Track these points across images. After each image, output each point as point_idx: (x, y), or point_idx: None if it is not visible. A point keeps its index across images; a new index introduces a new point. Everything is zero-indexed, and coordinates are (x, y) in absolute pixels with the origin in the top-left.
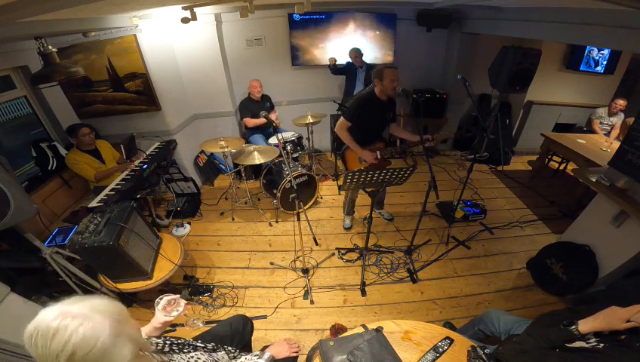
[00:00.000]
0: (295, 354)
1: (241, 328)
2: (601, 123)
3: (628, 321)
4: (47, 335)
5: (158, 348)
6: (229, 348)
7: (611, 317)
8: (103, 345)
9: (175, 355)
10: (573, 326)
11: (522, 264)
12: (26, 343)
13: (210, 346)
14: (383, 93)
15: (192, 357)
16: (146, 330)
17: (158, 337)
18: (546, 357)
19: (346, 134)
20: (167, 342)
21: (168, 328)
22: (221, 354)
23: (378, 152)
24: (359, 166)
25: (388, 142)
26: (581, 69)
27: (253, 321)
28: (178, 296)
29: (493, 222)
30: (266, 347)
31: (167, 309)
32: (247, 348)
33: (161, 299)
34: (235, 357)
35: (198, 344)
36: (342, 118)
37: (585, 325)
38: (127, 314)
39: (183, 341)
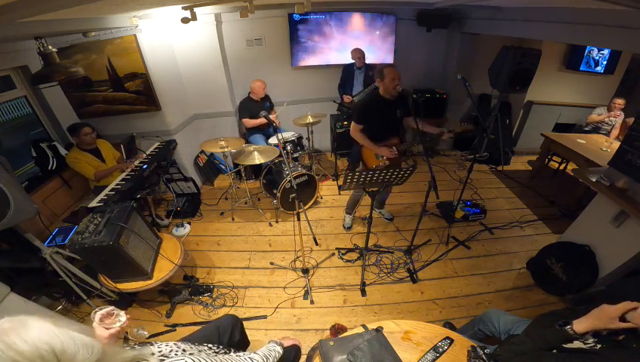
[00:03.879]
0: (297, 344)
1: (229, 329)
2: (601, 122)
3: (624, 321)
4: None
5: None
6: (210, 345)
7: (602, 315)
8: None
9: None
10: (568, 326)
11: (522, 264)
12: None
13: (185, 345)
14: (386, 91)
15: (162, 344)
16: None
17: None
18: (544, 358)
19: (360, 135)
20: (127, 347)
21: (168, 328)
22: (203, 347)
23: (394, 147)
24: (377, 162)
25: (403, 137)
26: (581, 69)
27: (253, 321)
28: (112, 307)
29: (493, 222)
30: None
31: (107, 322)
32: (241, 344)
33: (95, 313)
34: (217, 353)
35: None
36: (352, 122)
37: (579, 324)
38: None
39: (143, 343)
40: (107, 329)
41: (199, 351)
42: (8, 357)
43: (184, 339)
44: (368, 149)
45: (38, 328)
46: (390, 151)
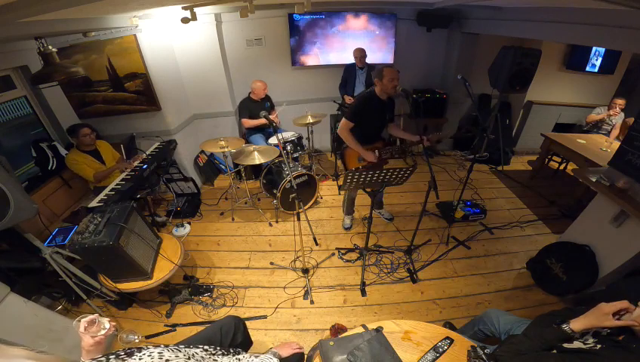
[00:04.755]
0: (299, 351)
1: (232, 331)
2: (600, 121)
3: (618, 319)
4: None
5: None
6: (206, 347)
7: (598, 313)
8: None
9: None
10: (565, 324)
11: (522, 264)
12: None
13: (178, 346)
14: (383, 92)
15: (145, 354)
16: (82, 356)
17: (102, 355)
18: (544, 359)
19: (347, 135)
20: (112, 356)
21: (168, 328)
22: (195, 351)
23: (377, 151)
24: (358, 165)
25: (387, 141)
26: (587, 69)
27: (253, 321)
28: (96, 315)
29: (493, 222)
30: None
31: (92, 330)
32: (244, 345)
33: (78, 321)
34: (213, 354)
35: (156, 346)
36: (344, 119)
37: (575, 323)
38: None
39: (131, 349)
40: (92, 337)
41: (188, 357)
42: None
43: (184, 341)
44: (351, 150)
45: None
46: (373, 155)
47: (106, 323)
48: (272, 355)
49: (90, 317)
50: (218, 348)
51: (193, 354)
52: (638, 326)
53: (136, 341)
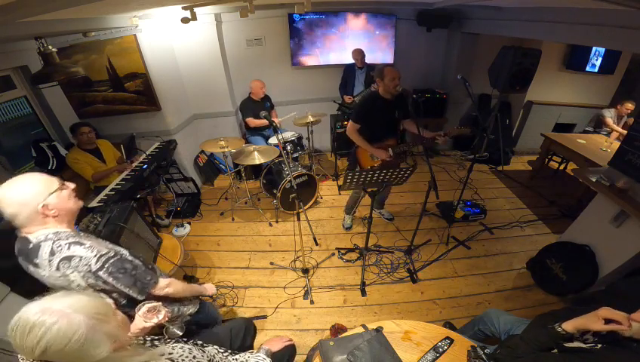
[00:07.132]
0: (290, 343)
1: (242, 333)
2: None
3: (610, 323)
4: (25, 330)
5: (140, 342)
6: (216, 347)
7: (592, 315)
8: (77, 342)
9: (158, 346)
10: (558, 326)
11: (522, 264)
12: (8, 334)
13: (204, 346)
14: (386, 91)
15: (176, 346)
16: None
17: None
18: (543, 359)
19: (356, 136)
20: (148, 339)
21: None
22: (209, 348)
23: (390, 149)
24: (372, 163)
25: (400, 139)
26: (587, 69)
27: (253, 321)
28: (160, 303)
29: (493, 222)
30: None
31: (148, 316)
32: (249, 349)
33: (143, 305)
34: (227, 357)
35: (181, 340)
36: (350, 121)
37: (568, 324)
38: (108, 312)
39: (163, 337)
40: (145, 321)
41: (209, 358)
42: (30, 331)
43: (202, 337)
44: (363, 150)
45: (76, 319)
46: (385, 153)
47: (162, 314)
48: (264, 354)
49: (154, 304)
50: (229, 352)
51: (214, 355)
52: (626, 330)
53: (179, 335)
